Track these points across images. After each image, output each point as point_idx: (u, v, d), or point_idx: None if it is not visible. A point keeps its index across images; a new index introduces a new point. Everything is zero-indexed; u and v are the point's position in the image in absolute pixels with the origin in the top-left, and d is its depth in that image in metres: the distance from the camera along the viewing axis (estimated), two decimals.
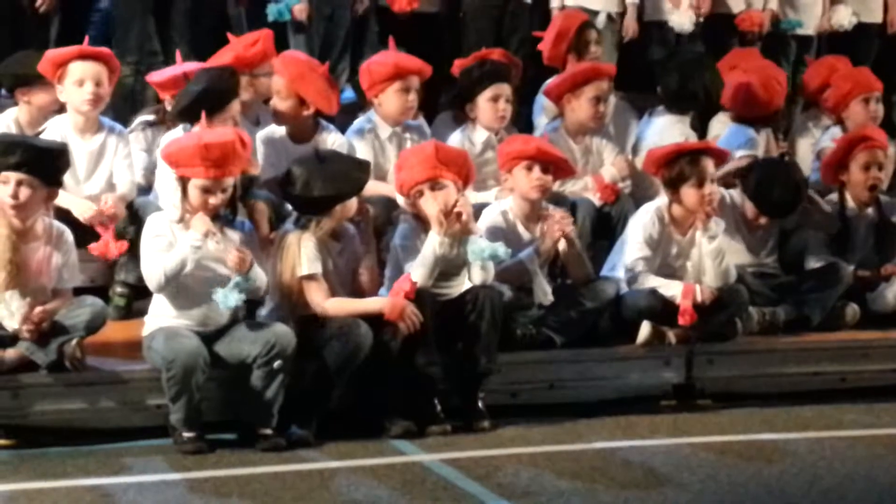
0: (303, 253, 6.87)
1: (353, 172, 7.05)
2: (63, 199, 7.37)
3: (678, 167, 7.72)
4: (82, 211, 7.44)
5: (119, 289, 7.64)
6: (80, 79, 7.65)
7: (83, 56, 7.71)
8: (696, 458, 6.75)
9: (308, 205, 6.99)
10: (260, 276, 6.74)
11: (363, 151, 7.88)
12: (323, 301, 6.86)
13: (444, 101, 8.93)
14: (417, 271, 7.04)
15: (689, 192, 7.71)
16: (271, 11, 9.64)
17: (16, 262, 6.60)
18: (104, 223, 7.39)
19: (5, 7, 9.09)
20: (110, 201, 7.47)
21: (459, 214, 7.01)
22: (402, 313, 6.79)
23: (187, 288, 6.68)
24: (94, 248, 7.31)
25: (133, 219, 7.50)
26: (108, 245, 7.29)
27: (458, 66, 8.91)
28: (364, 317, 6.82)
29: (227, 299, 6.58)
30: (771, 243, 8.42)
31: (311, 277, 6.87)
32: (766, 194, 8.17)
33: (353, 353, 6.74)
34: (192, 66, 8.10)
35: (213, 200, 6.67)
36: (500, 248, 7.06)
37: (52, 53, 7.84)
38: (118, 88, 9.09)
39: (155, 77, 8.28)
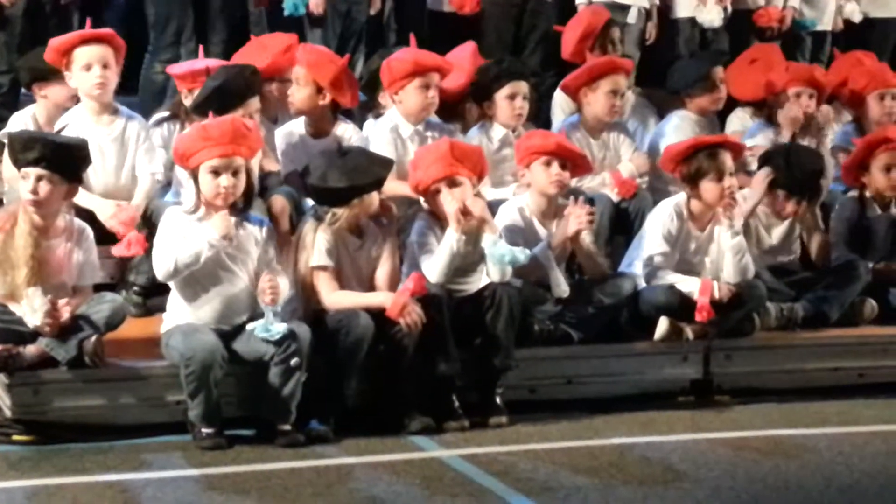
0: (315, 244, 6.89)
1: (371, 166, 7.05)
2: (86, 200, 7.42)
3: (697, 162, 7.71)
4: (106, 213, 7.46)
5: (134, 289, 7.64)
6: (86, 63, 7.66)
7: (85, 40, 7.71)
8: (713, 454, 6.75)
9: (324, 195, 7.01)
10: (284, 288, 6.76)
11: (385, 150, 7.86)
12: (330, 293, 6.88)
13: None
14: (434, 268, 7.06)
15: (708, 187, 7.70)
16: (287, 6, 9.66)
17: (37, 257, 6.63)
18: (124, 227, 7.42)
19: (26, 6, 9.11)
20: (130, 211, 7.49)
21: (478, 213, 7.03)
22: (403, 310, 6.79)
23: (205, 285, 6.71)
24: (117, 251, 7.34)
25: (147, 223, 7.49)
26: (130, 244, 7.31)
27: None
28: (373, 312, 6.83)
29: (270, 332, 6.60)
30: (791, 241, 8.41)
31: (320, 269, 6.89)
32: (795, 171, 8.18)
33: (354, 345, 6.75)
34: (215, 61, 8.15)
35: (224, 182, 6.66)
36: (521, 255, 7.06)
37: (55, 42, 7.82)
38: (149, 86, 9.16)
39: (175, 69, 8.33)
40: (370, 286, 7.05)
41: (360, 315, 6.77)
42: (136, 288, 7.62)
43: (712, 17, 10.36)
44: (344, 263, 6.97)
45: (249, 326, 6.64)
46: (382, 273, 7.02)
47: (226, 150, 6.68)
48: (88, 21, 8.13)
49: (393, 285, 7.00)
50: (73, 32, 7.90)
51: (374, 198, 7.02)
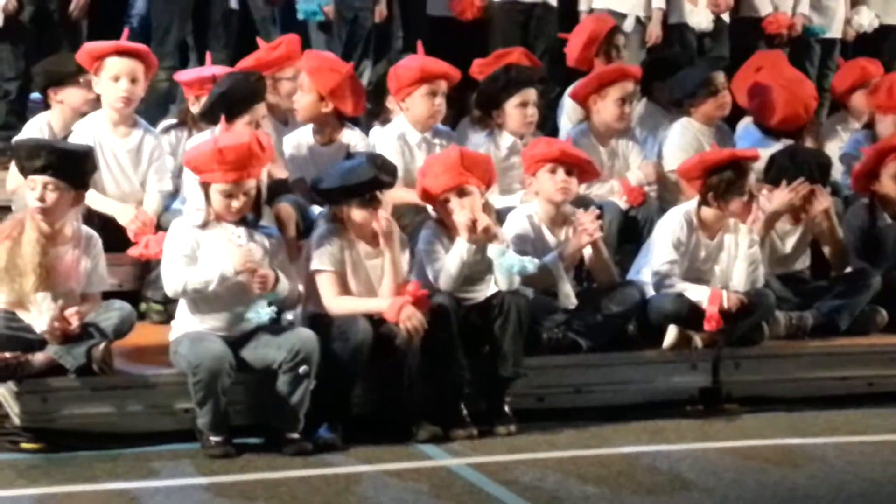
0: (314, 247, 6.90)
1: (362, 168, 6.94)
2: (104, 205, 7.43)
3: (727, 175, 7.68)
4: (126, 216, 7.49)
5: (153, 305, 7.64)
6: (115, 75, 7.68)
7: (120, 52, 7.74)
8: (722, 463, 6.74)
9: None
10: (285, 285, 6.75)
11: (392, 158, 7.82)
12: (331, 298, 6.87)
13: (468, 106, 8.91)
14: (444, 276, 7.05)
15: (737, 202, 7.70)
16: (304, 10, 9.61)
17: (45, 265, 6.62)
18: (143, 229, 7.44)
19: (34, 13, 9.12)
20: (148, 214, 7.56)
21: (487, 224, 7.01)
22: (400, 313, 6.76)
23: (214, 294, 6.69)
24: (134, 251, 7.37)
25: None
26: (148, 245, 7.32)
27: (477, 65, 8.92)
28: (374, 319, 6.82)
29: (260, 315, 6.61)
30: (803, 249, 8.40)
31: (317, 272, 6.88)
32: (803, 168, 8.14)
33: (354, 352, 6.71)
34: (222, 68, 8.16)
35: (236, 203, 6.70)
36: (530, 264, 7.04)
37: (90, 46, 7.88)
38: (153, 93, 9.17)
39: (183, 76, 8.37)
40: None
41: (358, 321, 6.75)
42: (155, 305, 7.61)
43: (700, 19, 10.38)
44: (349, 269, 6.95)
45: (246, 315, 6.64)
46: (384, 283, 6.96)
47: (240, 175, 6.68)
48: (126, 32, 8.13)
49: (396, 292, 6.93)
50: (110, 41, 7.88)
51: (365, 208, 6.89)
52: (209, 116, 7.62)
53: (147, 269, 7.58)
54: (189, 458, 6.54)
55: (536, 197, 7.67)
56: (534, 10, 10.04)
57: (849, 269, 8.35)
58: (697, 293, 7.60)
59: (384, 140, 8.18)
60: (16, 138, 7.81)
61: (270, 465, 6.49)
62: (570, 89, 9.07)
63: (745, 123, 9.46)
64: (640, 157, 8.72)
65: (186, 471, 6.41)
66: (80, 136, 7.64)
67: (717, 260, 7.81)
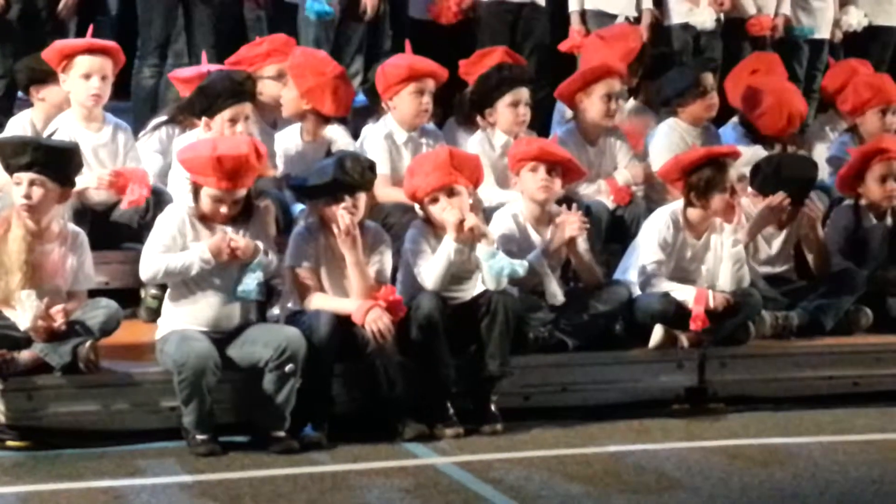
0: (291, 244, 6.94)
1: (325, 169, 6.93)
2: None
3: (706, 173, 7.69)
4: (93, 178, 7.48)
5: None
6: (86, 73, 7.65)
7: (92, 50, 7.73)
8: (708, 463, 6.74)
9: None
10: (272, 259, 6.75)
11: (379, 157, 7.86)
12: (307, 295, 6.88)
13: (455, 106, 8.90)
14: (431, 275, 7.05)
15: (718, 199, 7.69)
16: (315, 11, 9.53)
17: (31, 262, 6.62)
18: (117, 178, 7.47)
19: (22, 11, 9.10)
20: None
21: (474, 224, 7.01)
22: (365, 317, 6.76)
23: (202, 290, 6.69)
24: (125, 204, 7.42)
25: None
26: (133, 191, 7.33)
27: (463, 65, 8.91)
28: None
29: (247, 286, 6.62)
30: (787, 251, 8.41)
31: (292, 269, 6.91)
32: (787, 183, 8.15)
33: (319, 347, 6.69)
34: (219, 67, 8.17)
35: (224, 210, 6.71)
36: (520, 268, 7.05)
37: (60, 44, 7.86)
38: (139, 90, 9.16)
39: (179, 73, 8.35)
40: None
41: (321, 315, 6.75)
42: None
43: (704, 18, 10.36)
44: (323, 266, 6.95)
45: (237, 291, 6.66)
46: (353, 284, 6.93)
47: (233, 184, 6.68)
48: (91, 28, 8.11)
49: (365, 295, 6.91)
50: (80, 39, 7.87)
51: (335, 203, 6.89)
52: (189, 110, 7.64)
53: None
54: (175, 457, 6.55)
55: (519, 189, 7.65)
56: (522, 10, 10.01)
57: (834, 269, 8.35)
58: (683, 293, 7.61)
59: (371, 139, 8.18)
60: None
61: (256, 464, 6.49)
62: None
63: (731, 124, 9.45)
64: (628, 156, 8.71)
65: (172, 469, 6.41)
66: (57, 135, 7.61)
67: (703, 260, 7.81)
